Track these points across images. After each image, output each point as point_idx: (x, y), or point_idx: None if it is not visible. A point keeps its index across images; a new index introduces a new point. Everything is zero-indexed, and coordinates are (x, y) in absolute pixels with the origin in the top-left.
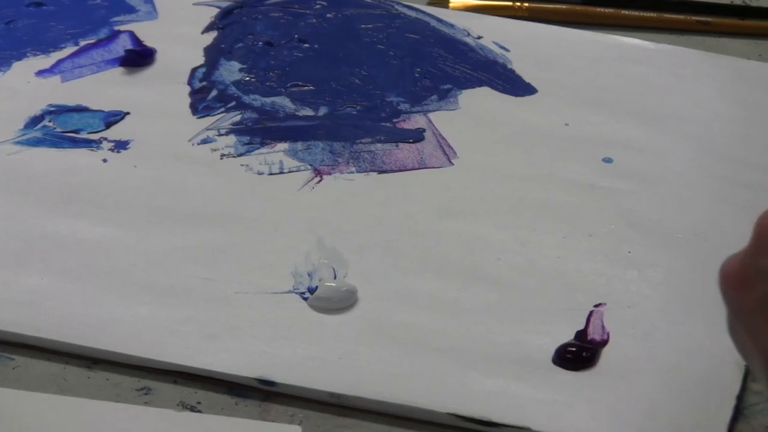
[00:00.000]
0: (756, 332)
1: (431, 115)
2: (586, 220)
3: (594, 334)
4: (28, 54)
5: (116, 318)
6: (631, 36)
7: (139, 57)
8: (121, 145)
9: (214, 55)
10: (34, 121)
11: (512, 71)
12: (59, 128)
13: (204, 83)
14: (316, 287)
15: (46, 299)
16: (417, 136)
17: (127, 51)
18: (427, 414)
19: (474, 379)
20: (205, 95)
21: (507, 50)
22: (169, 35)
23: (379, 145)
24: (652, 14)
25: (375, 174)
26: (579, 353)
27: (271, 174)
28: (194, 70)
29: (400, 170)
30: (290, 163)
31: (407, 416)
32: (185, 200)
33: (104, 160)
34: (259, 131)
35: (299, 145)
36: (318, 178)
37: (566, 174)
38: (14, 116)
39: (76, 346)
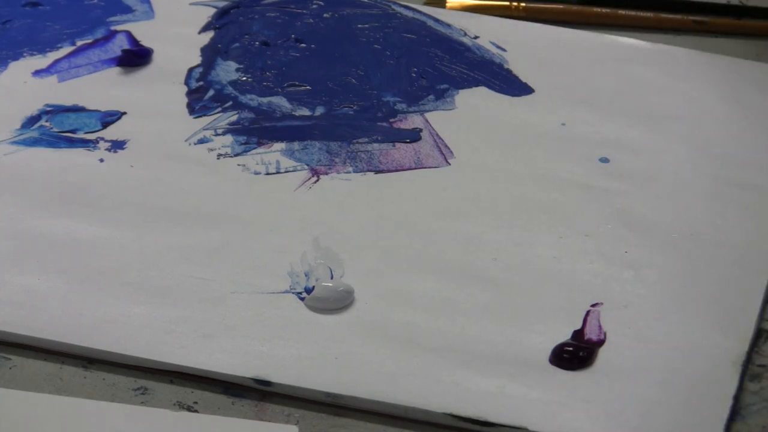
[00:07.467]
0: None
1: (428, 115)
2: (582, 220)
3: (590, 333)
4: (25, 54)
5: (112, 318)
6: (627, 36)
7: (135, 57)
8: (117, 145)
9: (210, 55)
10: (31, 121)
11: (509, 71)
12: (56, 128)
13: (200, 83)
14: (313, 287)
15: (42, 299)
16: (413, 136)
17: (124, 51)
18: (424, 414)
19: (470, 378)
20: (201, 95)
21: (504, 50)
22: (165, 35)
23: (375, 145)
24: (648, 14)
25: (372, 174)
26: (576, 353)
27: (267, 174)
28: (191, 70)
29: (396, 170)
30: (287, 162)
31: (403, 416)
32: (182, 200)
33: (101, 160)
34: (255, 131)
35: (296, 145)
36: (314, 178)
37: (562, 174)
38: (11, 116)
39: (73, 346)
